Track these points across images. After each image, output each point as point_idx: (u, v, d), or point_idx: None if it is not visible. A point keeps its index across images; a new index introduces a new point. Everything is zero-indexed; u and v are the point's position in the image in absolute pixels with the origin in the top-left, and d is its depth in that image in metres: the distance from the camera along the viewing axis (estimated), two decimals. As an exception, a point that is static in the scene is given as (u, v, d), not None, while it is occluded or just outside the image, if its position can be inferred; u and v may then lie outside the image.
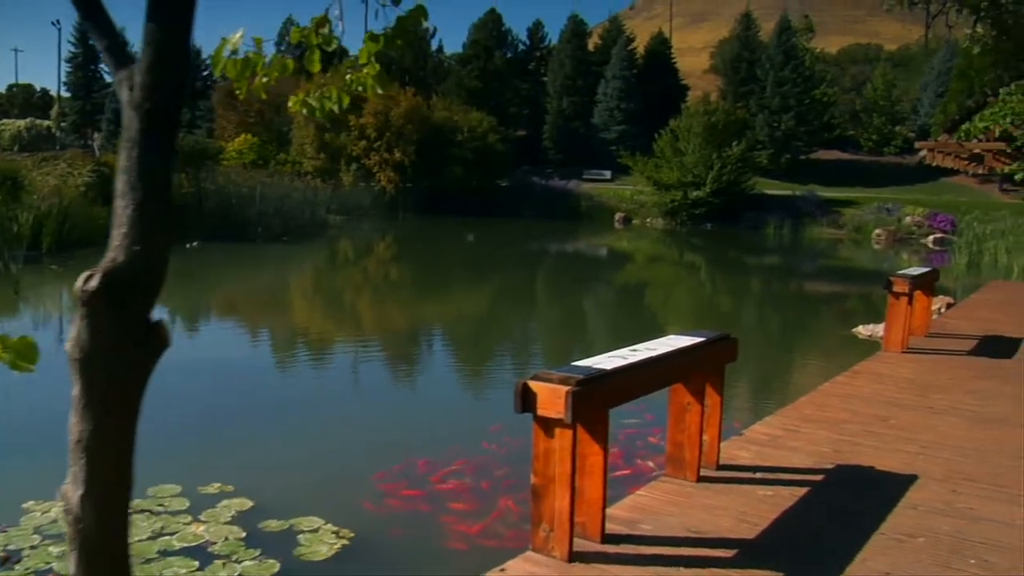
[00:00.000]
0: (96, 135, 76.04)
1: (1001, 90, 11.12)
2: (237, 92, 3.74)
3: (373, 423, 9.43)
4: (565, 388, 3.90)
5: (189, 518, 6.43)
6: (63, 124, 75.22)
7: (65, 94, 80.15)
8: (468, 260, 31.76)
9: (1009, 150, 11.76)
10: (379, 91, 3.88)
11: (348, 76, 3.79)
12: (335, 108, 3.81)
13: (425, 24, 3.52)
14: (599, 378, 4.09)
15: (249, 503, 6.71)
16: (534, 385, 4.01)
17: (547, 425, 4.01)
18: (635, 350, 4.64)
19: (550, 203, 53.13)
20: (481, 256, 33.70)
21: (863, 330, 14.76)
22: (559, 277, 27.62)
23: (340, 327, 16.72)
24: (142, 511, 6.49)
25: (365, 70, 3.76)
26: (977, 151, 12.40)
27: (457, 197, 50.47)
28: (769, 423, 6.62)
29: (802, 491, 5.14)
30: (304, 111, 3.84)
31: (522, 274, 27.86)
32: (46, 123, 76.28)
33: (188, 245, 27.73)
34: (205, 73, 73.44)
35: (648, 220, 50.56)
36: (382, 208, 48.28)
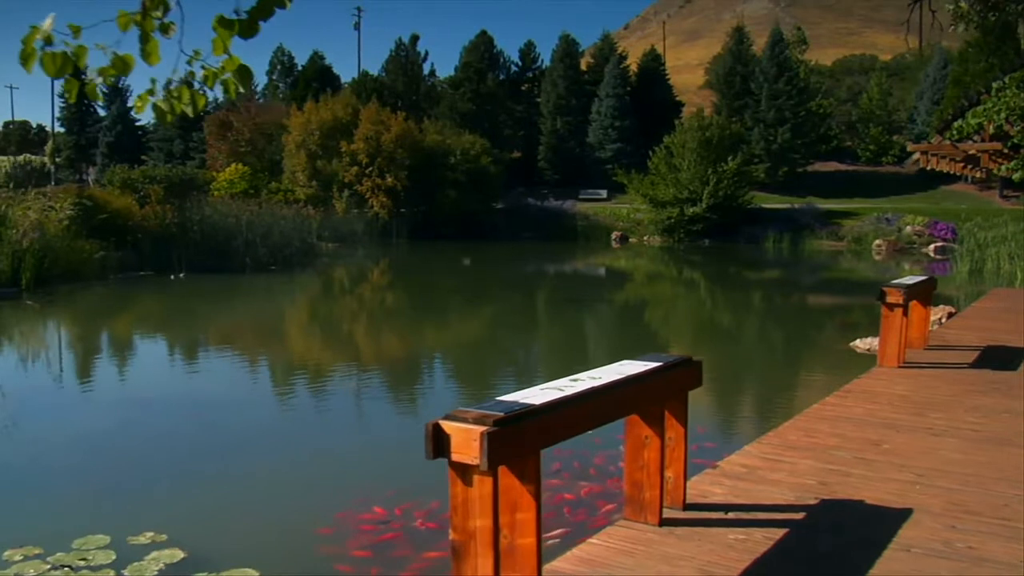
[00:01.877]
0: (91, 169, 75.88)
1: (993, 84, 10.54)
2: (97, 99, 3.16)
3: (338, 464, 8.74)
4: (480, 429, 3.28)
5: (112, 573, 5.84)
6: (58, 159, 74.91)
7: (60, 129, 79.93)
8: (463, 285, 31.13)
9: (1005, 149, 11.17)
10: (241, 89, 3.29)
11: (203, 73, 3.18)
12: (187, 110, 3.21)
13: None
14: (524, 415, 3.47)
15: (181, 554, 6.16)
16: (447, 426, 3.39)
17: (463, 472, 3.39)
18: (576, 379, 4.02)
19: (546, 224, 52.67)
20: (476, 280, 33.09)
21: (861, 344, 14.13)
22: (557, 299, 26.97)
23: (317, 360, 16.05)
24: (61, 567, 5.94)
25: (222, 64, 3.16)
26: (972, 152, 11.80)
27: (452, 221, 50.02)
28: (748, 453, 5.94)
29: (780, 533, 4.49)
30: (155, 114, 3.24)
31: (518, 297, 27.22)
32: (41, 159, 76.18)
33: (172, 276, 27.22)
34: (198, 104, 73.18)
35: (645, 238, 50.04)
36: (376, 234, 47.79)
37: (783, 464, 5.67)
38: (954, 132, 11.00)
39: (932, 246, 41.73)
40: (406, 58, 68.43)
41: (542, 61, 70.46)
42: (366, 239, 46.49)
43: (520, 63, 71.34)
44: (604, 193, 58.39)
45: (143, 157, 66.57)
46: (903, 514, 4.78)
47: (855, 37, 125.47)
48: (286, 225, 33.68)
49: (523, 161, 64.25)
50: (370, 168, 48.53)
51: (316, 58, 69.97)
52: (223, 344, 17.41)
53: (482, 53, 66.00)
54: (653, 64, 68.21)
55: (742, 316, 22.84)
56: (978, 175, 14.44)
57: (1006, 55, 36.78)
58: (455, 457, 3.37)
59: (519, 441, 3.45)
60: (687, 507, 4.79)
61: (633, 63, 67.74)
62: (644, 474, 4.51)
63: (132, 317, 21.99)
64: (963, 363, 9.51)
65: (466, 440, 3.33)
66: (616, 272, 37.67)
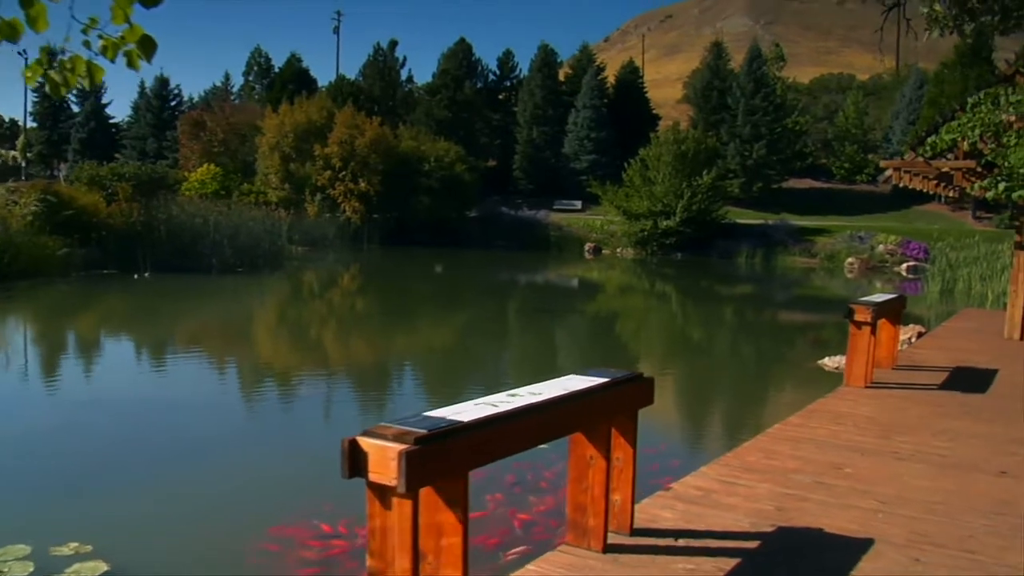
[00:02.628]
0: (62, 165, 75.01)
1: (968, 99, 10.33)
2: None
3: (283, 474, 8.33)
4: (399, 447, 2.98)
5: (26, 586, 5.53)
6: (29, 155, 74.00)
7: (32, 124, 79.02)
8: (433, 291, 30.74)
9: (978, 168, 10.95)
10: (146, 62, 2.97)
11: (101, 43, 2.87)
12: (84, 83, 2.89)
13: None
14: (451, 433, 3.16)
15: (104, 567, 5.85)
16: (365, 442, 3.08)
17: (382, 494, 3.08)
18: (514, 395, 3.72)
19: (519, 233, 52.35)
20: (447, 287, 32.72)
21: (829, 362, 13.90)
22: (527, 308, 26.66)
23: (275, 365, 15.66)
24: (-28, 580, 5.59)
25: (122, 34, 2.84)
26: (945, 169, 11.58)
27: (424, 228, 49.68)
28: (703, 475, 5.64)
29: (731, 563, 4.20)
30: (48, 87, 2.92)
31: (489, 305, 26.92)
32: (12, 153, 75.34)
33: (136, 275, 26.78)
34: (173, 103, 72.72)
35: (618, 250, 49.81)
36: (347, 239, 47.30)
37: (740, 487, 5.37)
38: (927, 148, 10.76)
39: (904, 265, 41.69)
40: (384, 63, 68.04)
41: (520, 70, 70.30)
42: (337, 244, 46.04)
43: (498, 72, 71.15)
44: (579, 204, 58.17)
45: (116, 155, 65.84)
46: (864, 544, 4.50)
47: (833, 56, 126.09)
48: (255, 227, 33.29)
49: (498, 170, 63.97)
50: (343, 172, 48.09)
51: (293, 60, 69.47)
52: (178, 346, 17.01)
53: (460, 60, 65.70)
54: (631, 76, 68.10)
55: (712, 331, 22.61)
56: (951, 194, 14.20)
57: (981, 75, 36.87)
58: (372, 477, 3.07)
59: (444, 461, 3.15)
60: (635, 532, 4.48)
61: (611, 75, 67.60)
62: (588, 497, 4.21)
63: (89, 316, 21.57)
64: (932, 384, 9.27)
65: (384, 459, 3.02)
66: (588, 283, 37.43)
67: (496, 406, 3.48)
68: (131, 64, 2.93)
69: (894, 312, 10.11)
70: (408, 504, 3.05)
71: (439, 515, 3.29)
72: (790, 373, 15.22)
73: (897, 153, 50.49)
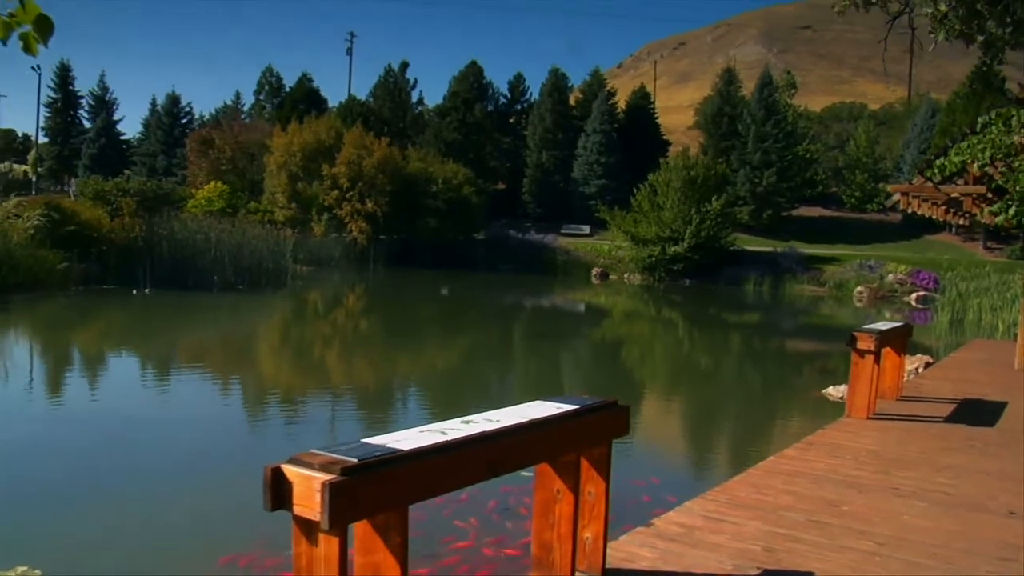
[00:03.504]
0: (72, 180, 75.05)
1: (979, 119, 9.97)
2: None
3: (247, 498, 7.95)
4: (323, 478, 2.63)
5: (-34, 615, 5.18)
6: (40, 169, 74.07)
7: (44, 139, 79.25)
8: (438, 314, 30.35)
9: (989, 193, 10.57)
10: (43, 45, 2.65)
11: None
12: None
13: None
14: (385, 463, 2.82)
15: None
16: (291, 471, 2.74)
17: (307, 529, 2.74)
18: (469, 421, 3.37)
19: (526, 257, 52.04)
20: (451, 310, 32.36)
21: (834, 391, 13.50)
22: (532, 332, 26.30)
23: (261, 384, 15.28)
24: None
25: (13, 13, 2.53)
26: (955, 194, 11.20)
27: (431, 249, 49.42)
28: (689, 510, 5.25)
29: (710, 609, 3.83)
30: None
31: (494, 329, 26.56)
32: (23, 168, 75.38)
33: (135, 291, 26.52)
34: (184, 120, 72.82)
35: (626, 275, 49.41)
36: (353, 259, 47.06)
37: (726, 525, 4.98)
38: (935, 172, 10.37)
39: (914, 295, 41.24)
40: (394, 84, 68.03)
41: (531, 94, 70.23)
42: (343, 264, 45.80)
43: (509, 95, 71.07)
44: (587, 229, 57.87)
45: (126, 171, 65.87)
46: (857, 591, 4.13)
47: (846, 85, 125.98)
48: (258, 245, 33.00)
49: (507, 193, 63.78)
50: (350, 192, 47.85)
51: (304, 80, 69.53)
52: (164, 364, 16.66)
53: (471, 83, 65.55)
54: (642, 102, 67.89)
55: (717, 358, 22.22)
56: (960, 221, 13.82)
57: (994, 103, 36.54)
58: (297, 510, 2.73)
59: (378, 494, 2.80)
60: (607, 573, 4.11)
61: (622, 101, 67.43)
62: (554, 534, 3.85)
63: (79, 330, 21.25)
64: (938, 416, 8.87)
65: (308, 490, 2.68)
66: (594, 308, 37.06)
67: (445, 434, 3.14)
68: (27, 49, 2.61)
69: (899, 340, 9.71)
70: (335, 541, 2.70)
71: (375, 554, 2.94)
72: (793, 402, 14.82)
73: (908, 182, 50.13)
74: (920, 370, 14.07)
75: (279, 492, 2.74)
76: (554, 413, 3.65)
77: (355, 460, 2.73)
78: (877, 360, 8.54)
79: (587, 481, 3.99)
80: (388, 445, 2.93)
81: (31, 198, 35.57)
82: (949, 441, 7.71)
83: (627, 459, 9.74)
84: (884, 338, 8.71)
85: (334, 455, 2.77)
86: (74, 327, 21.69)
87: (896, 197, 12.11)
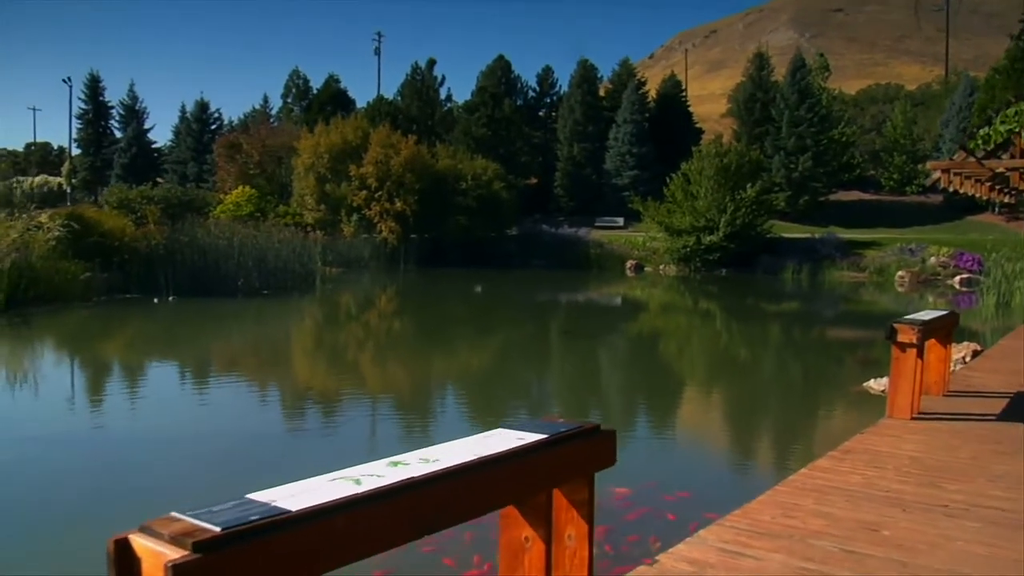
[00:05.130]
0: (104, 190, 75.28)
1: (1026, 85, 9.20)
2: None
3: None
4: (170, 556, 1.96)
5: None
6: (74, 181, 74.35)
7: (76, 151, 79.63)
8: (470, 314, 29.58)
9: (1039, 166, 9.75)
10: None
11: None
12: None
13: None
14: (261, 531, 2.13)
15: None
16: (138, 544, 2.06)
17: (162, 621, 2.06)
18: (398, 463, 2.67)
19: (560, 252, 51.25)
20: (485, 309, 31.63)
21: (875, 385, 12.68)
22: (568, 329, 25.59)
23: (275, 397, 14.69)
24: None
25: None
26: (1000, 169, 10.35)
27: (462, 248, 48.82)
28: (703, 540, 4.50)
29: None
30: None
31: (529, 327, 25.81)
32: (58, 180, 75.70)
33: (155, 299, 26.12)
34: (213, 127, 72.75)
35: (661, 267, 48.57)
36: (383, 260, 46.54)
37: (745, 560, 4.24)
38: (979, 142, 9.53)
39: (957, 278, 40.13)
40: (422, 82, 67.42)
41: (560, 87, 69.26)
42: (373, 265, 45.27)
43: (538, 89, 70.21)
44: (620, 221, 56.98)
45: (158, 179, 65.95)
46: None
47: (880, 68, 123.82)
48: (284, 248, 32.51)
49: (540, 188, 62.97)
50: (379, 192, 47.33)
51: (331, 81, 69.15)
52: (173, 375, 16.13)
53: (499, 78, 64.79)
54: (673, 90, 66.84)
55: (755, 351, 21.38)
56: (1006, 199, 12.96)
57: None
58: (145, 597, 2.05)
59: (252, 572, 2.12)
60: (595, 632, 3.40)
61: (653, 90, 66.44)
62: (525, 589, 3.14)
63: (94, 342, 20.77)
64: (989, 414, 8.04)
65: (155, 569, 2.00)
66: (630, 302, 36.30)
67: (359, 482, 2.44)
68: None
69: (945, 331, 8.87)
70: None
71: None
72: (832, 398, 13.97)
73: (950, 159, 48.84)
74: (967, 359, 13.20)
75: (125, 567, 2.07)
76: (515, 446, 2.95)
77: (217, 529, 2.05)
78: (920, 354, 7.74)
79: (566, 523, 3.27)
80: (275, 503, 2.24)
81: (59, 210, 35.38)
82: (1002, 444, 6.90)
83: (660, 467, 9.05)
84: (928, 329, 7.89)
85: (195, 521, 2.09)
86: (86, 339, 21.23)
87: (937, 175, 11.27)
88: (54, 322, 22.97)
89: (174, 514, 2.14)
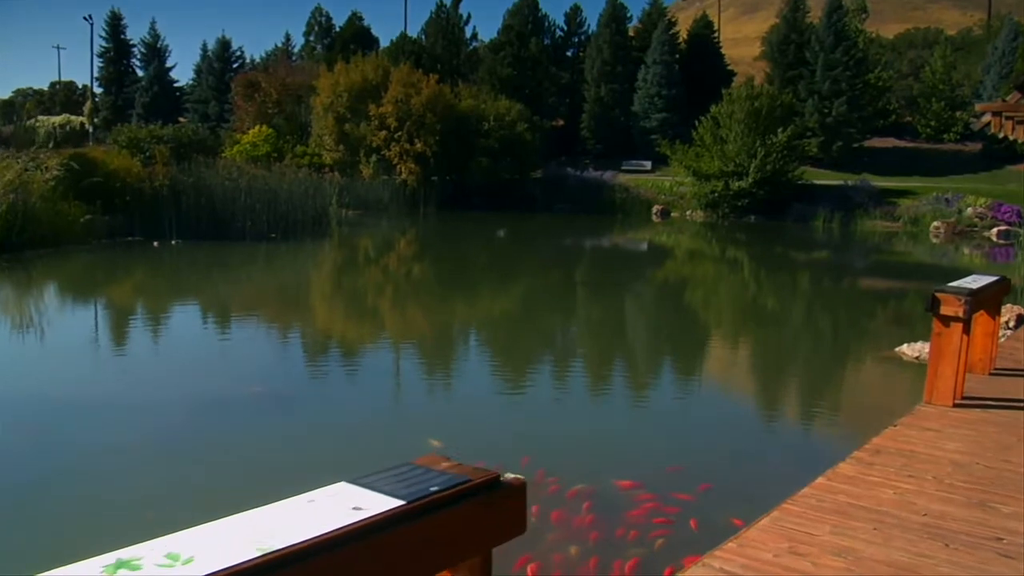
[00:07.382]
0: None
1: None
2: None
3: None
4: None
5: None
6: (96, 120, 73.51)
7: (98, 89, 78.64)
8: (492, 261, 28.38)
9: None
10: None
11: None
12: None
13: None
14: None
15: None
16: None
17: None
18: (121, 565, 1.60)
19: (584, 196, 49.82)
20: (507, 255, 30.47)
21: (908, 350, 11.52)
22: (592, 276, 24.77)
23: (257, 357, 13.66)
24: None
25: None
26: (1062, 113, 9.12)
27: (484, 191, 47.58)
28: (708, 568, 3.45)
29: None
30: None
31: (553, 274, 24.76)
32: (80, 119, 74.89)
33: (155, 243, 25.24)
34: (235, 65, 71.58)
35: (688, 213, 47.20)
36: (403, 203, 45.26)
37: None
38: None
39: (995, 230, 38.57)
40: (447, 20, 65.68)
41: (589, 26, 67.32)
42: (392, 208, 44.07)
43: (565, 28, 68.30)
44: (648, 164, 55.48)
45: (179, 119, 64.91)
46: None
47: (919, 12, 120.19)
48: (296, 190, 31.38)
49: (566, 130, 61.43)
50: (399, 132, 45.91)
51: (354, 19, 67.59)
52: (145, 328, 15.17)
53: (526, 16, 62.95)
54: (704, 31, 64.85)
55: (783, 306, 20.18)
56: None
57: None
58: None
59: None
60: None
61: (684, 31, 64.50)
62: None
63: (83, 288, 19.89)
64: (1044, 398, 6.89)
65: None
66: (656, 248, 35.20)
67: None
68: None
69: (994, 301, 7.61)
70: None
71: None
72: (861, 369, 12.71)
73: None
74: (1012, 324, 11.99)
75: None
76: (345, 525, 1.86)
77: None
78: (967, 329, 6.55)
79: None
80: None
81: (64, 151, 34.48)
82: (1064, 440, 5.77)
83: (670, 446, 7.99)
84: (976, 300, 6.63)
85: None
86: (75, 284, 20.40)
87: (986, 118, 9.99)
88: (44, 266, 22.16)
89: None
